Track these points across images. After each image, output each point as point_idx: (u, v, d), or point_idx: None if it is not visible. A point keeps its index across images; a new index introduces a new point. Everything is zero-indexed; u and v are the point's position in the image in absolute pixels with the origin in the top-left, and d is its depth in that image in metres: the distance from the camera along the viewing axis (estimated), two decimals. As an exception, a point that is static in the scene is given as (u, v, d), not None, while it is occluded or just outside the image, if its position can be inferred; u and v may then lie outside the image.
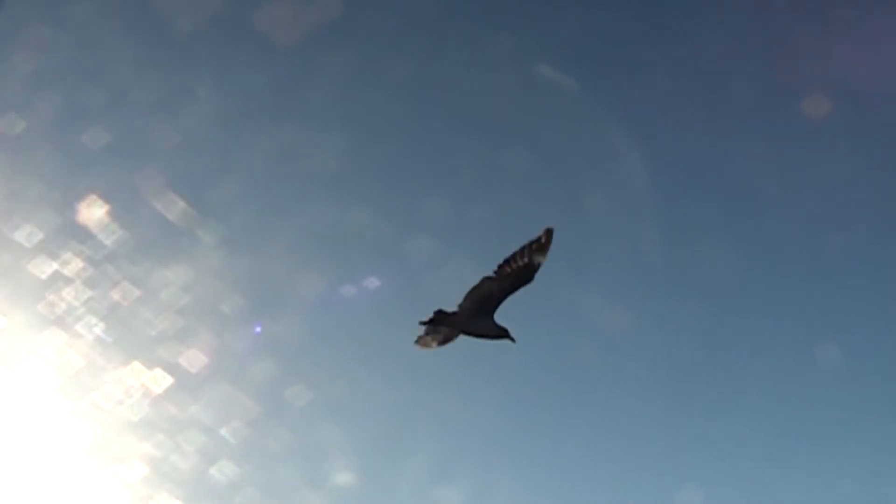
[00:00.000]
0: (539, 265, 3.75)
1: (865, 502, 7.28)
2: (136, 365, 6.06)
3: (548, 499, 7.36)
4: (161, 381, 6.06)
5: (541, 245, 3.73)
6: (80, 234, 6.18)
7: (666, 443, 7.81)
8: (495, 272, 3.73)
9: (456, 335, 3.91)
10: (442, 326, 3.92)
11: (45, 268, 5.91)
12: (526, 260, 3.70)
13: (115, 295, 6.36)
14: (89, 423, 6.21)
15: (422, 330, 3.94)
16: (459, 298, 3.68)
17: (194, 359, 6.28)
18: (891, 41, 7.27)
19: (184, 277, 6.69)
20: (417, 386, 7.53)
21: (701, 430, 7.90)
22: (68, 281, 6.03)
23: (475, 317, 3.82)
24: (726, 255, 8.00)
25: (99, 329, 6.04)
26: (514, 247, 3.62)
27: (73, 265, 6.00)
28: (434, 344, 3.88)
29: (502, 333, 3.84)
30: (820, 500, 7.54)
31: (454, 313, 3.82)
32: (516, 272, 3.70)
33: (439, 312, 3.86)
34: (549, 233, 3.67)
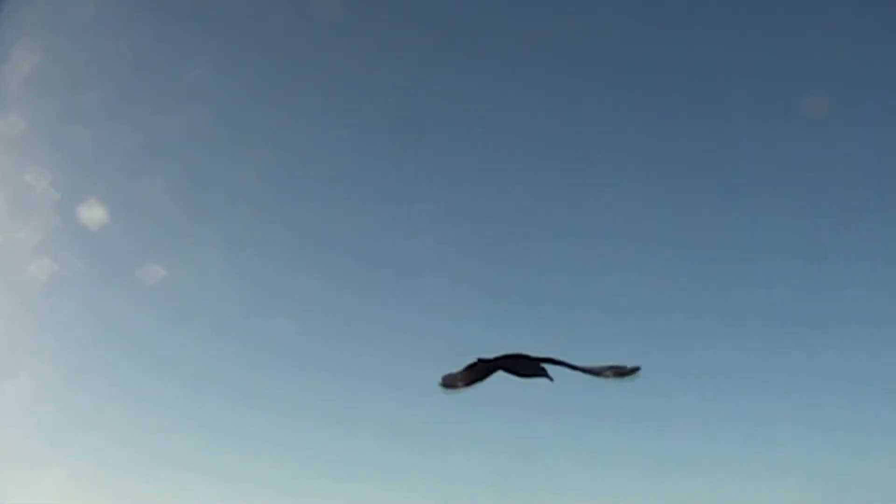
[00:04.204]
0: (604, 377, 3.72)
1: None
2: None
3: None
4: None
5: (621, 372, 3.68)
6: (80, 234, 6.17)
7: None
8: (578, 366, 3.69)
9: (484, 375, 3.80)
10: (480, 370, 3.87)
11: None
12: (603, 373, 3.69)
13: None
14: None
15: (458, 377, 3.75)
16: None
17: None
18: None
19: (182, 274, 6.66)
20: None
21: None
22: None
23: (518, 358, 3.85)
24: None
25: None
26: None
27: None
28: (461, 385, 3.74)
29: (543, 373, 3.85)
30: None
31: (521, 357, 3.83)
32: (591, 372, 3.71)
33: (481, 360, 3.80)
34: (635, 370, 3.62)
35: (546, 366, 3.56)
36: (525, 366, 3.74)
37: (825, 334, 8.14)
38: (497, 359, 3.56)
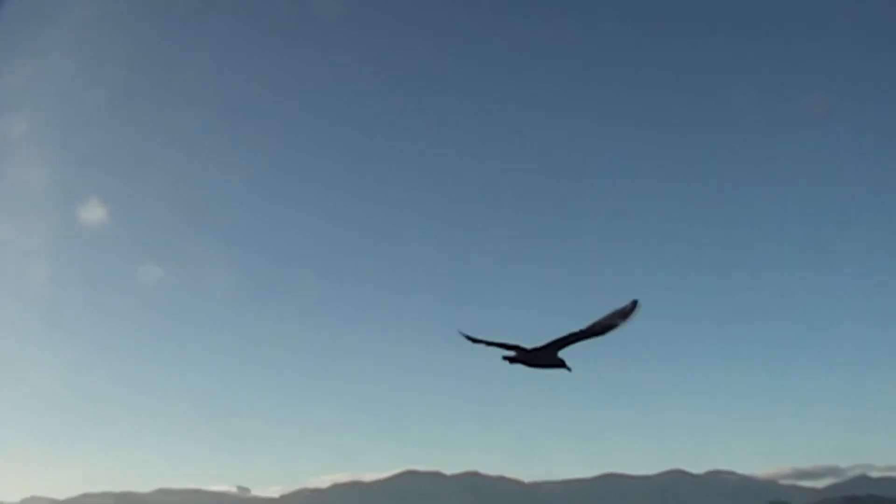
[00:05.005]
0: (616, 326, 4.30)
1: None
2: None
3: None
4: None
5: (625, 313, 4.33)
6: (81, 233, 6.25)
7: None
8: (584, 329, 4.39)
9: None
10: (519, 362, 4.46)
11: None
12: (612, 322, 4.40)
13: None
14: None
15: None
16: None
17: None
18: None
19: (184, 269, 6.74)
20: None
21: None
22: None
23: (548, 355, 4.48)
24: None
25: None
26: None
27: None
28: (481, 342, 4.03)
29: (561, 364, 4.45)
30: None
31: (533, 351, 4.44)
32: (600, 329, 4.48)
33: (521, 351, 4.41)
34: (634, 304, 4.22)
35: (562, 354, 4.02)
36: (546, 358, 4.04)
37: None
38: (517, 354, 4.06)
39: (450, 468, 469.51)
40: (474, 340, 5.35)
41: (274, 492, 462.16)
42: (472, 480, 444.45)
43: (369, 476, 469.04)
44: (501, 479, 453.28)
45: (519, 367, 5.63)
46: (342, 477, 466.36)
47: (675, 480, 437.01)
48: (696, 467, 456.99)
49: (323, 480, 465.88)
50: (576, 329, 5.48)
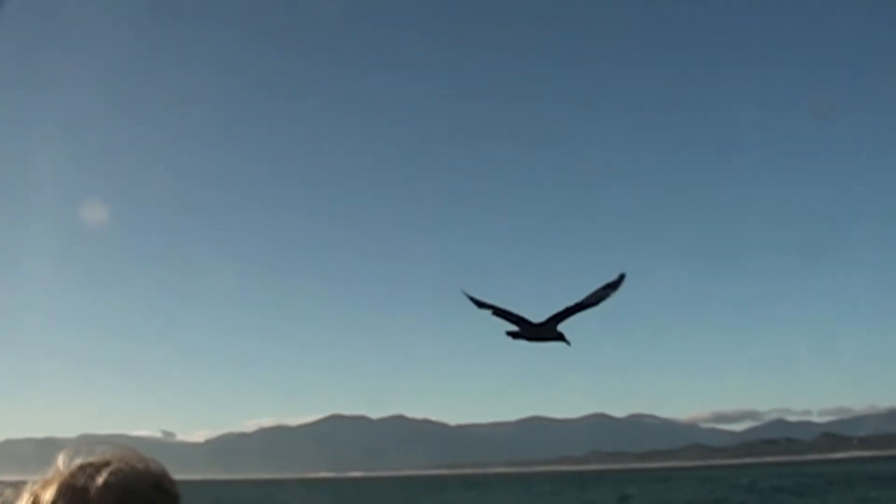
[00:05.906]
0: (608, 297, 4.20)
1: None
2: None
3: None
4: None
5: (614, 285, 4.18)
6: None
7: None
8: (580, 302, 4.16)
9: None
10: (522, 337, 4.23)
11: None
12: (604, 294, 4.06)
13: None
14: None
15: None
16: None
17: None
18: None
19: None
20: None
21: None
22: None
23: (547, 329, 4.19)
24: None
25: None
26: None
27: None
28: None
29: (560, 338, 4.25)
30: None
31: (535, 325, 4.22)
32: (595, 301, 4.09)
33: (525, 325, 4.21)
34: (622, 277, 4.16)
35: (561, 328, 4.29)
36: (545, 332, 4.23)
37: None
38: (519, 330, 4.27)
39: (375, 412, 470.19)
40: (480, 304, 4.16)
41: (199, 436, 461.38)
42: (397, 424, 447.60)
43: (295, 420, 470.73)
44: (427, 422, 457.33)
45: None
46: (268, 422, 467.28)
47: (598, 423, 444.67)
48: (619, 411, 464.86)
49: (248, 425, 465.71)
50: (571, 303, 4.22)
